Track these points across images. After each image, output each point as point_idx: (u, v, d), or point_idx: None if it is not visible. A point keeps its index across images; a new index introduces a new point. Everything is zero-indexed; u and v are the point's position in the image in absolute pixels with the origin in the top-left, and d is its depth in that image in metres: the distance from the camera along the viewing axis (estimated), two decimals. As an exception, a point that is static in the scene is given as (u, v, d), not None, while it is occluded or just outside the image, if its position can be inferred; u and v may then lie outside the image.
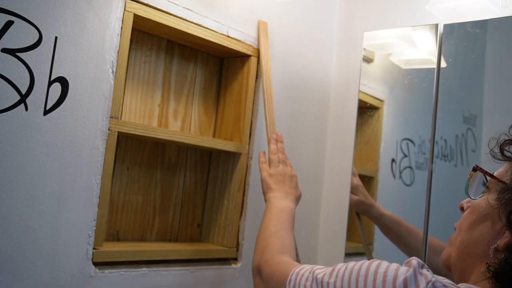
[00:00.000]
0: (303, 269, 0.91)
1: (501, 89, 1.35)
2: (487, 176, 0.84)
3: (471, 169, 0.86)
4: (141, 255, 1.24)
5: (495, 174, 0.83)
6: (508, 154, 0.83)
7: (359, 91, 1.58)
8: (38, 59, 1.04)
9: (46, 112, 1.05)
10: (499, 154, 0.83)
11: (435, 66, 1.40)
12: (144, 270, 1.24)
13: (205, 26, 1.36)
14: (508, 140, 0.83)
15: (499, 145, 0.84)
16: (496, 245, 0.77)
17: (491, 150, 0.85)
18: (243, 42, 1.46)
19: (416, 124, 1.48)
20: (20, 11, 1.01)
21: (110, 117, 1.16)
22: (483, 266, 0.79)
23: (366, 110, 1.58)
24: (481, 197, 0.85)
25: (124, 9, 1.18)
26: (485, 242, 0.79)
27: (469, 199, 0.88)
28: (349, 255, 1.56)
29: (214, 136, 1.53)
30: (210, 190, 1.52)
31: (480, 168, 0.85)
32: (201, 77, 1.51)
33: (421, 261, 0.77)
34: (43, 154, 1.05)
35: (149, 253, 1.26)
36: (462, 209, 0.90)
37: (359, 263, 0.80)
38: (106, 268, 1.17)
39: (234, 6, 1.43)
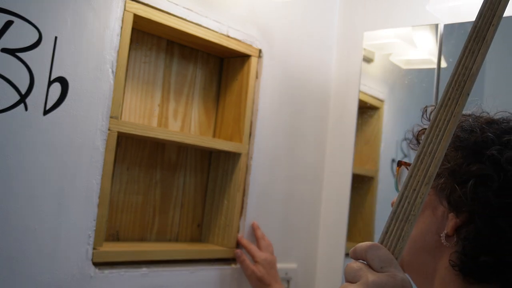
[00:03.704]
0: None
1: (501, 89, 1.35)
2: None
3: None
4: (141, 255, 1.24)
5: None
6: None
7: (359, 91, 1.58)
8: (38, 59, 1.03)
9: (46, 112, 1.05)
10: (417, 145, 0.83)
11: (435, 66, 1.40)
12: (144, 270, 1.24)
13: (205, 26, 1.36)
14: (422, 129, 0.83)
15: (415, 136, 0.83)
16: (445, 231, 0.75)
17: (409, 142, 0.84)
18: (243, 42, 1.45)
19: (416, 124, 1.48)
20: (20, 11, 1.01)
21: (110, 117, 1.16)
22: (445, 259, 0.76)
23: (366, 110, 1.58)
24: None
25: (124, 9, 1.18)
26: (433, 231, 0.77)
27: None
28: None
29: (214, 136, 1.53)
30: (210, 190, 1.52)
31: (404, 162, 0.84)
32: (201, 77, 1.51)
33: None
34: (43, 154, 1.05)
35: (149, 253, 1.26)
36: None
37: None
38: (106, 268, 1.16)
39: (234, 6, 1.43)
